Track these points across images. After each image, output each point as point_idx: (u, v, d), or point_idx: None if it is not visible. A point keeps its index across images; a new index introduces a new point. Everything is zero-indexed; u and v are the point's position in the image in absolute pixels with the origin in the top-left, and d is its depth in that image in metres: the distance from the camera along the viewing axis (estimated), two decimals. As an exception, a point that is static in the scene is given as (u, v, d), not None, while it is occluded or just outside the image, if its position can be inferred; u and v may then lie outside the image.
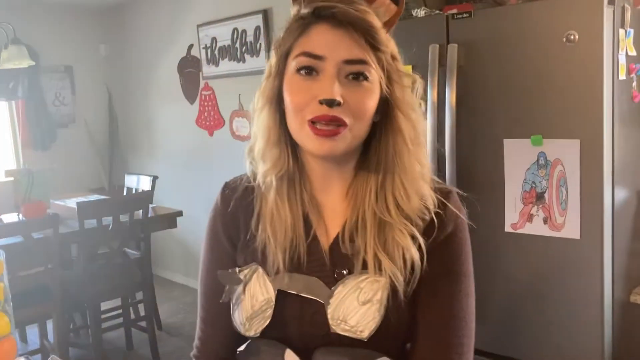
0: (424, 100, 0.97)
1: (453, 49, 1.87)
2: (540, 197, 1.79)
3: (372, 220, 0.90)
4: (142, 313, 3.66)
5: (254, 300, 0.92)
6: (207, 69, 4.34)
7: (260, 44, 3.86)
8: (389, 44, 0.88)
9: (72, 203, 3.89)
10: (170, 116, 4.85)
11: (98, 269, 3.28)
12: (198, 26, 4.31)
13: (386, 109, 0.89)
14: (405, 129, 0.89)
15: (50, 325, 3.37)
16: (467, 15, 1.86)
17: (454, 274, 0.91)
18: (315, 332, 0.90)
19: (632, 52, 1.76)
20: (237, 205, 1.00)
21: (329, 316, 0.88)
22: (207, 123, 4.48)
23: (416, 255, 0.87)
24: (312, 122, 0.85)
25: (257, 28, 3.85)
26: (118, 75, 5.30)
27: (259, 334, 0.93)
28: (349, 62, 0.84)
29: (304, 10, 0.87)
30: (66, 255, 3.55)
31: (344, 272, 0.90)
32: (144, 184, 3.93)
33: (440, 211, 0.91)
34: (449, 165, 1.92)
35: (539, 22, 1.73)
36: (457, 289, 0.91)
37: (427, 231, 0.90)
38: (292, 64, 0.87)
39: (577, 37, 1.66)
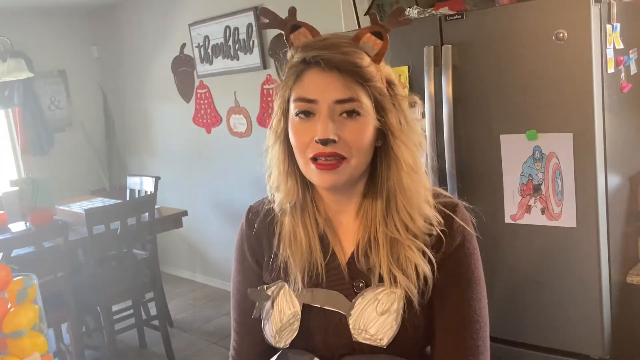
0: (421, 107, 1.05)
1: (447, 50, 1.93)
2: (537, 189, 1.87)
3: (383, 239, 0.98)
4: (153, 312, 3.75)
5: (282, 314, 1.02)
6: (202, 68, 4.38)
7: (253, 41, 3.90)
8: (379, 75, 0.95)
9: (76, 208, 3.96)
10: (166, 115, 4.90)
11: (108, 272, 3.36)
12: (190, 25, 4.35)
13: (384, 136, 0.97)
14: (402, 156, 0.96)
15: (64, 327, 3.45)
16: (460, 16, 1.92)
17: (465, 282, 0.99)
18: (339, 341, 0.99)
19: (619, 45, 1.83)
20: (260, 227, 1.09)
21: (350, 326, 0.98)
22: (204, 121, 4.53)
23: (427, 269, 0.96)
24: (314, 159, 0.94)
25: (250, 25, 3.89)
26: (112, 77, 5.33)
27: (288, 345, 1.02)
28: (340, 101, 0.92)
29: (295, 59, 0.94)
30: (74, 261, 3.62)
31: (362, 285, 0.99)
32: (147, 185, 3.99)
33: (447, 224, 0.99)
34: (448, 161, 1.99)
35: (529, 22, 1.80)
36: (470, 296, 0.99)
37: (435, 245, 0.98)
38: (292, 108, 0.96)
39: (566, 35, 1.72)
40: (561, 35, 1.73)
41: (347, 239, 1.03)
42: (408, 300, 0.96)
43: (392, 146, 0.96)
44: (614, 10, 1.77)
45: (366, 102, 0.93)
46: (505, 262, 1.98)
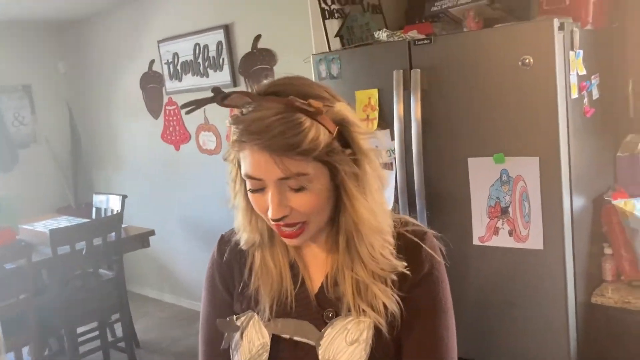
0: (389, 130, 1.03)
1: (416, 74, 1.95)
2: (504, 211, 1.90)
3: (349, 279, 0.97)
4: (119, 333, 3.67)
5: (251, 345, 1.00)
6: (170, 84, 4.34)
7: (223, 58, 3.89)
8: (323, 136, 0.88)
9: (41, 227, 3.86)
10: (134, 132, 4.84)
11: (72, 293, 3.28)
12: (159, 42, 4.32)
13: (340, 185, 0.93)
14: (360, 207, 0.93)
15: (26, 351, 3.35)
16: (428, 41, 1.95)
17: (433, 311, 0.99)
18: None
19: (582, 72, 1.87)
20: (231, 256, 1.08)
21: (320, 356, 0.96)
22: (173, 138, 4.49)
23: (395, 307, 0.95)
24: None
25: (220, 43, 3.88)
26: (79, 93, 5.25)
27: None
28: (282, 179, 0.88)
29: (233, 135, 0.89)
30: (38, 282, 3.52)
31: (332, 314, 0.98)
32: (114, 203, 3.92)
33: (415, 252, 0.98)
34: (417, 183, 2.01)
35: (496, 48, 1.83)
36: (438, 324, 0.98)
37: (401, 279, 0.97)
38: (243, 176, 0.93)
39: (531, 61, 1.76)
40: (527, 60, 1.76)
41: (317, 268, 1.03)
42: (377, 330, 0.95)
43: (349, 197, 0.94)
44: (577, 37, 1.82)
45: (312, 171, 0.89)
46: (473, 283, 2.00)
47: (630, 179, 2.16)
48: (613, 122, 2.16)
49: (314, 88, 0.93)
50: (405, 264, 0.97)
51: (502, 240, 1.92)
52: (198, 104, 0.94)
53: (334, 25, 2.47)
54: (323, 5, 2.44)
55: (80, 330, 3.52)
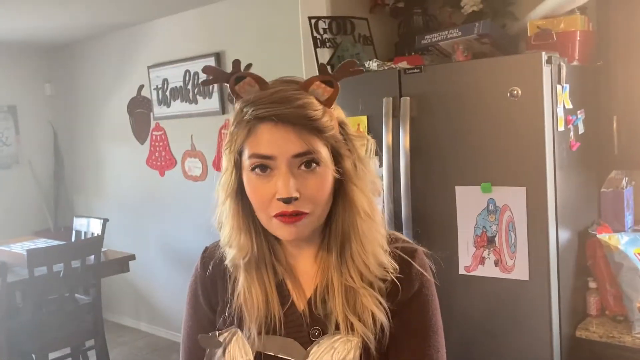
0: (378, 157, 1.03)
1: (406, 102, 1.97)
2: (491, 240, 1.90)
3: (339, 285, 0.95)
4: (93, 360, 3.56)
5: None
6: (158, 110, 4.34)
7: (213, 86, 3.90)
8: (333, 122, 0.92)
9: (17, 248, 3.78)
10: (119, 156, 4.80)
11: (47, 317, 3.19)
12: (149, 67, 4.33)
13: (340, 181, 0.94)
14: (358, 202, 0.94)
15: (-6, 377, 3.23)
16: (418, 70, 1.97)
17: (422, 330, 0.97)
18: None
19: (569, 105, 1.91)
20: (215, 271, 1.05)
21: None
22: (158, 163, 4.47)
23: (383, 317, 0.93)
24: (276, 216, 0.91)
25: (210, 70, 3.89)
26: (64, 115, 5.22)
27: None
28: (297, 155, 0.88)
29: (246, 115, 0.90)
30: (11, 304, 3.42)
31: (318, 332, 0.96)
32: (94, 227, 3.86)
33: (405, 270, 0.97)
34: (404, 210, 2.00)
35: (485, 78, 1.86)
36: (427, 344, 0.97)
37: (392, 292, 0.96)
38: (246, 163, 0.91)
39: (519, 92, 1.79)
40: (515, 92, 1.79)
41: (306, 285, 1.00)
42: (365, 349, 0.93)
43: (348, 192, 0.94)
44: (564, 71, 1.86)
45: (324, 152, 0.90)
46: (458, 313, 1.98)
47: (614, 214, 2.18)
48: (597, 157, 2.18)
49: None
50: (397, 269, 0.96)
51: (488, 270, 1.91)
52: (215, 77, 0.95)
53: (325, 54, 2.50)
54: (315, 34, 2.47)
55: (52, 356, 3.41)
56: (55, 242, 3.86)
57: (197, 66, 3.98)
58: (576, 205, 2.04)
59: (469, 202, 1.92)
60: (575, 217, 2.02)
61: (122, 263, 3.66)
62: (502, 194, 1.86)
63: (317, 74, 0.95)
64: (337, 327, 0.94)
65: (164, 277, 4.55)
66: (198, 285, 1.07)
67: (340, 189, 0.95)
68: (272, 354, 0.96)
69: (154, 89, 4.34)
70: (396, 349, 0.96)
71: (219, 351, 0.99)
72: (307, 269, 1.01)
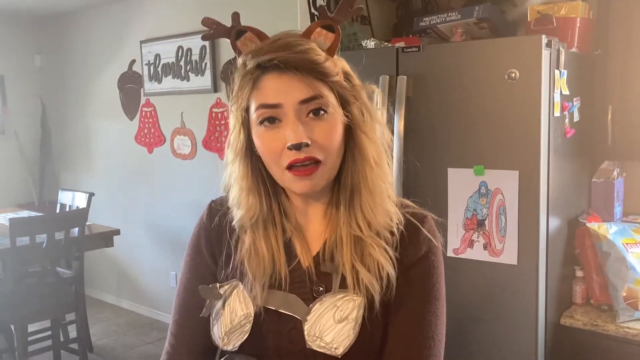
0: (385, 109, 1.01)
1: (402, 81, 1.95)
2: (481, 224, 1.89)
3: (347, 237, 0.94)
4: (73, 335, 3.53)
5: (233, 315, 0.96)
6: (149, 86, 4.29)
7: (206, 63, 3.86)
8: (337, 69, 0.91)
9: (0, 219, 3.72)
10: (107, 131, 4.74)
11: (27, 289, 3.14)
12: (141, 42, 4.27)
13: (349, 131, 0.93)
14: (367, 150, 0.93)
15: (-29, 347, 3.19)
16: (416, 49, 1.95)
17: (424, 295, 0.95)
18: (292, 347, 0.93)
19: (565, 91, 1.89)
20: (221, 221, 1.03)
21: (305, 332, 0.92)
22: (147, 140, 4.41)
23: (390, 268, 0.92)
24: (290, 167, 0.89)
25: (203, 47, 3.86)
26: (53, 88, 5.14)
27: (237, 348, 0.96)
28: (304, 101, 0.88)
29: (249, 65, 0.90)
30: (-8, 274, 3.38)
31: (322, 289, 0.94)
32: (80, 200, 3.81)
33: (414, 234, 0.96)
34: (395, 190, 1.98)
35: (483, 60, 1.84)
36: (428, 310, 0.95)
37: (398, 246, 0.95)
38: (254, 117, 0.91)
39: (517, 75, 1.77)
40: (513, 74, 1.77)
41: (314, 242, 0.99)
42: (368, 309, 0.91)
43: (357, 140, 0.93)
44: (563, 57, 1.85)
45: (331, 98, 0.90)
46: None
47: (604, 205, 2.18)
48: (590, 146, 2.18)
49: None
50: (402, 221, 0.95)
51: (477, 253, 1.90)
52: (216, 31, 0.94)
53: (321, 30, 2.47)
54: (313, 10, 2.44)
55: (31, 329, 3.37)
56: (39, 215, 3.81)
57: (190, 42, 3.93)
58: (567, 193, 2.03)
59: (460, 184, 1.91)
60: (565, 204, 2.02)
61: (107, 237, 3.62)
62: (495, 177, 1.85)
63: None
64: (342, 286, 0.93)
65: (147, 254, 4.51)
66: (202, 235, 1.05)
67: (349, 138, 0.94)
68: (274, 308, 0.94)
69: (146, 64, 4.28)
70: (396, 311, 0.94)
71: (219, 303, 0.97)
72: (315, 227, 0.99)
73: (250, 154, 0.95)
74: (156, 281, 4.47)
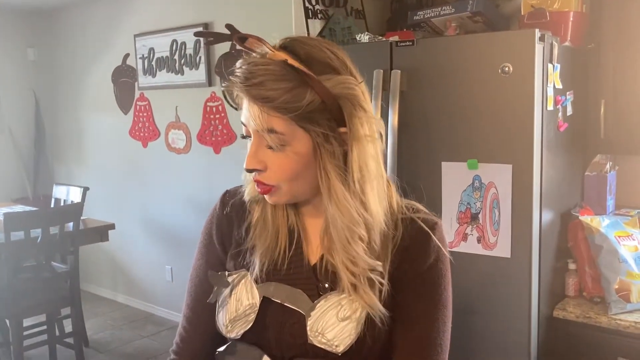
0: (381, 138, 0.96)
1: (396, 75, 1.95)
2: (474, 217, 1.90)
3: (341, 262, 0.93)
4: (68, 329, 3.53)
5: (238, 304, 0.98)
6: (144, 80, 4.27)
7: (200, 57, 3.85)
8: (305, 99, 0.86)
9: (-6, 213, 3.71)
10: (102, 125, 4.73)
11: (22, 284, 3.14)
12: (135, 36, 4.25)
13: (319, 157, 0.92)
14: (334, 188, 0.90)
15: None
16: (410, 43, 1.95)
17: (432, 303, 0.96)
18: (293, 341, 0.94)
19: (559, 85, 1.90)
20: (233, 211, 1.06)
21: (308, 327, 0.93)
22: (142, 134, 4.40)
23: (381, 311, 0.92)
24: None
25: (197, 41, 3.85)
26: (47, 82, 5.11)
27: (239, 337, 0.98)
28: (261, 131, 0.88)
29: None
30: (-13, 269, 3.38)
31: (327, 287, 0.95)
32: (74, 195, 3.80)
33: (424, 241, 0.96)
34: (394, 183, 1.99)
35: (477, 54, 1.84)
36: (435, 317, 0.96)
37: (406, 259, 0.95)
38: None
39: (511, 69, 1.78)
40: (506, 68, 1.78)
41: (317, 239, 1.00)
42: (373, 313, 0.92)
43: (322, 174, 0.91)
44: (556, 51, 1.85)
45: (289, 133, 0.88)
46: (439, 290, 1.98)
47: (597, 198, 2.19)
48: (583, 140, 2.19)
49: (327, 54, 0.91)
50: (380, 263, 0.93)
51: (471, 246, 1.91)
52: (216, 38, 0.95)
53: (316, 25, 2.47)
54: (307, 4, 2.43)
55: (27, 323, 3.37)
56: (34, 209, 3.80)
57: (184, 36, 3.92)
58: (560, 186, 2.04)
59: (454, 178, 1.92)
60: (558, 198, 2.03)
61: (102, 232, 3.62)
62: (488, 171, 1.86)
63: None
64: (344, 289, 0.94)
65: (143, 249, 4.51)
66: (214, 224, 1.07)
67: (317, 167, 0.91)
68: (279, 301, 0.96)
69: (140, 58, 4.26)
70: (404, 317, 0.95)
71: (226, 291, 1.00)
72: (317, 225, 1.00)
73: None
74: (151, 275, 4.47)
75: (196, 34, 0.98)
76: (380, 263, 0.93)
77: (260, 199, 1.00)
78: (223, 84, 0.92)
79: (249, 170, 0.92)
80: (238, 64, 0.89)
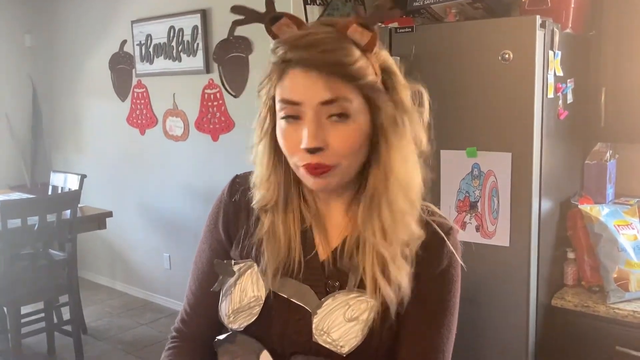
0: (429, 110, 0.94)
1: (395, 62, 1.92)
2: (473, 206, 1.88)
3: (370, 246, 0.90)
4: (66, 317, 3.53)
5: (243, 295, 0.95)
6: (141, 66, 4.24)
7: (198, 43, 3.82)
8: (372, 69, 0.86)
9: (-9, 201, 3.69)
10: (99, 113, 4.70)
11: (20, 271, 3.13)
12: (132, 22, 4.22)
13: (374, 135, 0.88)
14: (391, 164, 0.87)
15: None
16: (410, 30, 1.93)
17: (440, 309, 0.94)
18: (297, 338, 0.92)
19: (559, 73, 1.88)
20: (242, 198, 1.01)
21: (313, 325, 0.91)
22: (139, 121, 4.38)
23: (407, 289, 0.89)
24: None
25: (195, 27, 3.81)
26: (44, 68, 5.07)
27: (242, 329, 0.95)
28: (325, 103, 0.83)
29: (277, 56, 0.86)
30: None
31: (336, 285, 0.92)
32: (72, 182, 3.78)
33: (438, 246, 0.93)
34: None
35: (477, 41, 1.82)
36: (442, 323, 0.94)
37: (418, 264, 0.91)
38: (278, 108, 0.88)
39: (511, 56, 1.76)
40: (507, 55, 1.76)
41: (334, 235, 0.96)
42: (380, 314, 0.89)
43: (381, 151, 0.88)
44: (557, 38, 1.83)
45: (356, 102, 0.85)
46: (437, 278, 1.98)
47: (596, 187, 2.18)
48: (583, 128, 2.17)
49: None
50: (424, 237, 0.91)
51: (469, 235, 1.90)
52: (248, 17, 0.90)
53: (314, 11, 2.44)
54: (306, -7, 2.41)
55: (24, 311, 3.37)
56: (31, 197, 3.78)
57: (182, 23, 3.88)
58: (560, 175, 2.03)
59: (453, 166, 1.90)
60: (558, 186, 2.02)
61: (99, 219, 3.60)
62: (488, 159, 1.84)
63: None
64: (358, 285, 0.91)
65: (141, 236, 4.50)
66: (220, 210, 1.03)
67: (376, 145, 0.88)
68: (285, 296, 0.93)
69: (137, 44, 4.23)
70: (411, 322, 0.93)
71: (231, 280, 0.97)
72: (338, 219, 0.96)
73: (273, 137, 0.92)
74: (150, 263, 4.47)
75: (234, 9, 0.91)
76: (422, 232, 0.90)
77: (270, 207, 0.94)
78: (277, 52, 0.85)
79: (311, 150, 0.84)
80: (286, 40, 0.85)
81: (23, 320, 3.32)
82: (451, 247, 0.94)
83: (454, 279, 0.95)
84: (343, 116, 0.84)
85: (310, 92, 0.83)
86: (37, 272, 3.18)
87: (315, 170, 0.86)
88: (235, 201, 1.01)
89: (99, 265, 4.94)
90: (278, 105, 0.87)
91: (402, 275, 0.89)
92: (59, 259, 3.37)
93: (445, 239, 0.94)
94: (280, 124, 0.88)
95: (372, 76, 0.86)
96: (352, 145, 0.86)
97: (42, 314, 3.48)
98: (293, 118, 0.86)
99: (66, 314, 3.55)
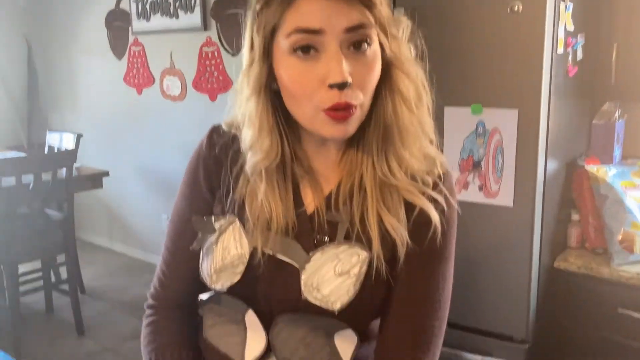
0: (414, 45, 0.88)
1: (399, 13, 1.84)
2: (477, 165, 1.83)
3: (372, 184, 0.85)
4: (64, 276, 3.51)
5: (225, 253, 0.88)
6: (138, 24, 4.13)
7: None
8: (384, 5, 0.80)
9: (-14, 160, 3.64)
10: (95, 72, 4.60)
11: (16, 230, 3.10)
12: (128, -23, 4.09)
13: (384, 67, 0.82)
14: (404, 89, 0.83)
15: (-38, 288, 3.18)
16: (415, -21, 1.84)
17: (435, 255, 0.88)
18: (285, 296, 0.87)
19: (570, 27, 1.80)
20: (223, 151, 0.93)
21: (302, 282, 0.85)
22: (136, 81, 4.29)
23: (404, 239, 0.84)
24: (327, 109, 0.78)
25: (192, -17, 3.69)
26: (39, 27, 4.95)
27: (225, 289, 0.89)
28: (350, 29, 0.76)
29: None
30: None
31: (325, 239, 0.86)
32: (68, 142, 3.71)
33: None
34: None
35: (485, -9, 1.74)
36: (437, 270, 0.89)
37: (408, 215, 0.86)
38: (284, 44, 0.78)
39: (520, 7, 1.68)
40: (516, 7, 1.68)
41: (322, 187, 0.90)
42: (372, 266, 0.84)
43: (395, 79, 0.82)
44: (569, -11, 1.75)
45: (375, 30, 0.79)
46: (438, 239, 1.94)
47: (604, 147, 2.12)
48: (592, 86, 2.10)
49: None
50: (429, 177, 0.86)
51: (472, 195, 1.85)
52: None
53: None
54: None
55: (22, 270, 3.35)
56: (27, 156, 3.73)
57: (179, -22, 3.76)
58: (567, 134, 1.97)
59: (457, 124, 1.84)
60: (564, 146, 1.96)
61: (96, 179, 3.56)
62: (493, 116, 1.78)
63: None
64: (347, 237, 0.85)
65: (138, 197, 4.46)
66: (200, 163, 0.94)
67: (384, 76, 0.82)
68: (271, 253, 0.86)
69: (134, 1, 4.11)
70: (405, 270, 0.87)
71: (212, 238, 0.89)
72: (327, 172, 0.90)
73: (269, 90, 0.83)
74: (147, 224, 4.44)
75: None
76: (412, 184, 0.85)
77: (263, 171, 0.86)
78: None
79: (341, 86, 0.75)
80: None
81: (21, 279, 3.30)
82: (446, 191, 0.88)
83: (449, 225, 0.89)
84: (364, 46, 0.78)
85: (334, 17, 0.75)
86: (33, 231, 3.15)
87: (344, 113, 0.78)
88: (217, 155, 0.93)
89: (97, 226, 4.92)
90: (288, 40, 0.77)
91: (399, 224, 0.84)
92: (56, 219, 3.33)
93: (438, 181, 0.88)
94: (289, 62, 0.78)
95: (384, 3, 0.80)
96: (374, 77, 0.80)
97: (40, 273, 3.46)
98: (307, 51, 0.77)
99: (64, 273, 3.53)
